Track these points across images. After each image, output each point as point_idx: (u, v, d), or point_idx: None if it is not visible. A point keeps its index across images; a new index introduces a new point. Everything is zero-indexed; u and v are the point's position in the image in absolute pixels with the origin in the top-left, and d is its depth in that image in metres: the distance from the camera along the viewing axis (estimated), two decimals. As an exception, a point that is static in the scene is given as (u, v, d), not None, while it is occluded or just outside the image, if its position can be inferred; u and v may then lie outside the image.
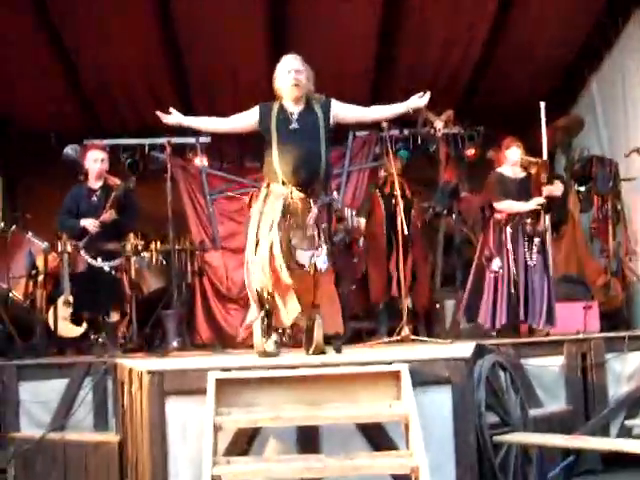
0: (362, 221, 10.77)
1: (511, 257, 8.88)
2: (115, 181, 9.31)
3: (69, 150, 11.11)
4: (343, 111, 7.09)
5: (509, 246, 8.92)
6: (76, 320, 9.36)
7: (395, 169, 9.97)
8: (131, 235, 11.20)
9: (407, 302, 9.74)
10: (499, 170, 9.30)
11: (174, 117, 7.23)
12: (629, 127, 10.61)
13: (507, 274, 8.85)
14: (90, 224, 8.90)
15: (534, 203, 8.98)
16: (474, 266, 9.29)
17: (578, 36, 11.23)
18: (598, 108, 11.53)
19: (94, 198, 9.14)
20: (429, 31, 11.04)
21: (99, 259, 8.99)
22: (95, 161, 9.19)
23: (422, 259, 10.75)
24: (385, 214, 10.44)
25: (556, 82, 11.97)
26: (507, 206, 9.05)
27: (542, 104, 9.04)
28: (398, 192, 9.55)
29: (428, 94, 7.13)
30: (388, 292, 10.36)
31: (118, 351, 8.96)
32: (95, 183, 9.21)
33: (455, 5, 10.56)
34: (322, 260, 6.74)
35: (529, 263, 8.88)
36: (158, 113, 7.32)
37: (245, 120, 7.10)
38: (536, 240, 8.95)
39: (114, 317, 9.29)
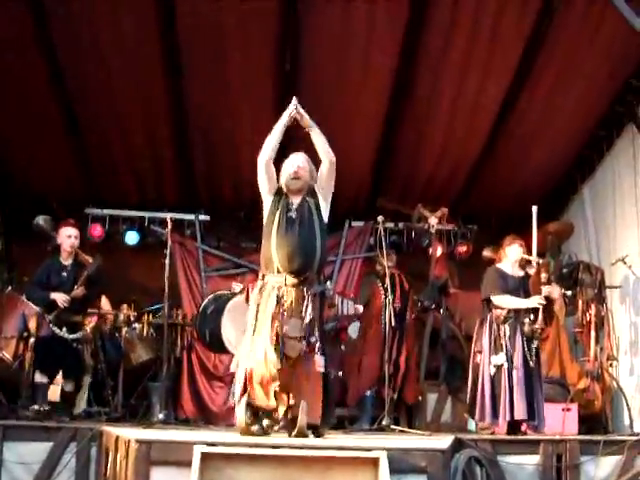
0: (360, 308, 10.90)
1: (507, 355, 8.85)
2: (87, 259, 9.59)
3: (40, 220, 11.30)
4: (320, 181, 7.33)
5: (507, 343, 8.89)
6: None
7: (391, 262, 10.22)
8: (124, 305, 11.42)
9: (391, 393, 9.86)
10: (498, 266, 9.30)
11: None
12: (617, 236, 10.87)
13: (506, 370, 8.82)
14: (60, 299, 9.20)
15: (535, 301, 8.92)
16: (471, 363, 9.26)
17: (572, 146, 11.57)
18: (588, 215, 11.80)
19: (64, 273, 9.45)
20: (426, 140, 11.42)
21: (64, 329, 9.28)
22: (68, 237, 9.50)
23: (413, 352, 10.83)
24: (384, 306, 10.44)
25: (549, 188, 12.22)
26: (507, 301, 9.01)
27: (534, 208, 9.22)
28: (393, 286, 9.77)
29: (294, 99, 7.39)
30: (378, 381, 10.43)
31: (66, 419, 9.05)
32: (66, 259, 9.52)
33: (452, 116, 10.94)
34: (321, 363, 6.96)
35: (530, 363, 8.85)
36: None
37: (273, 179, 7.32)
38: (534, 341, 8.94)
39: (68, 387, 9.47)
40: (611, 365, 10.59)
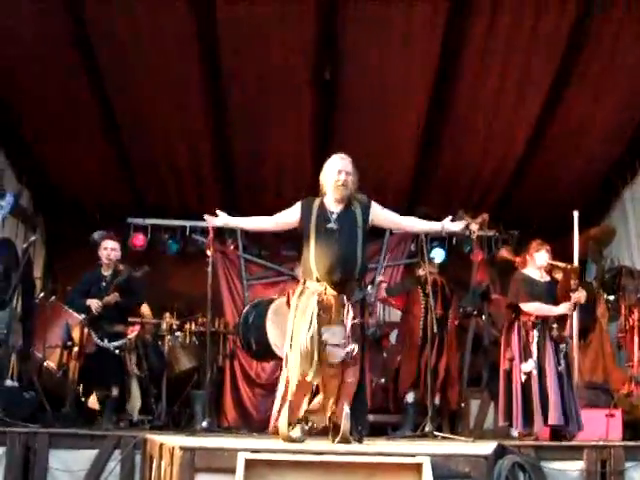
0: (383, 285, 10.91)
1: (537, 361, 8.82)
2: (121, 270, 9.77)
3: (95, 235, 11.40)
4: (381, 215, 7.30)
5: (534, 349, 8.86)
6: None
7: (433, 268, 10.26)
8: (167, 314, 11.50)
9: (435, 399, 9.86)
10: (525, 272, 9.25)
11: (220, 219, 7.55)
12: (660, 240, 10.79)
13: (536, 377, 8.78)
14: (93, 304, 9.43)
15: (564, 307, 8.91)
16: (501, 369, 9.21)
17: (614, 150, 11.51)
18: (630, 220, 11.74)
19: (103, 283, 9.67)
20: (467, 146, 11.44)
21: (105, 340, 9.50)
22: (105, 250, 9.72)
23: (455, 359, 10.79)
24: (424, 312, 10.47)
25: (590, 193, 12.17)
26: (536, 308, 8.97)
27: (575, 213, 9.20)
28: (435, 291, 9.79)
29: (462, 222, 7.46)
30: (416, 388, 10.43)
31: (110, 426, 9.23)
32: (106, 270, 9.75)
33: (493, 121, 10.94)
34: (348, 350, 6.97)
35: (560, 369, 8.80)
36: (205, 216, 7.68)
37: (287, 218, 7.33)
38: (561, 346, 8.90)
39: (115, 392, 9.57)
40: (655, 370, 10.52)
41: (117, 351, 9.54)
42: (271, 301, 10.88)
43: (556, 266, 9.19)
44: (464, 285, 11.31)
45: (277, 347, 10.44)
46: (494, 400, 10.55)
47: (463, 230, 10.19)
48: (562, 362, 8.88)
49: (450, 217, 7.44)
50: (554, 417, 8.69)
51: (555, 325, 8.93)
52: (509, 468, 6.79)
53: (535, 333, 8.94)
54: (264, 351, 10.77)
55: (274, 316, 10.63)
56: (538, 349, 8.88)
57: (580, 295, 9.02)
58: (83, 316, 9.49)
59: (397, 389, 10.68)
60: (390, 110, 10.76)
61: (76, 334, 10.03)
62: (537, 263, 9.19)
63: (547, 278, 9.22)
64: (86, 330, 9.50)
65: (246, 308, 11.26)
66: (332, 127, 11.08)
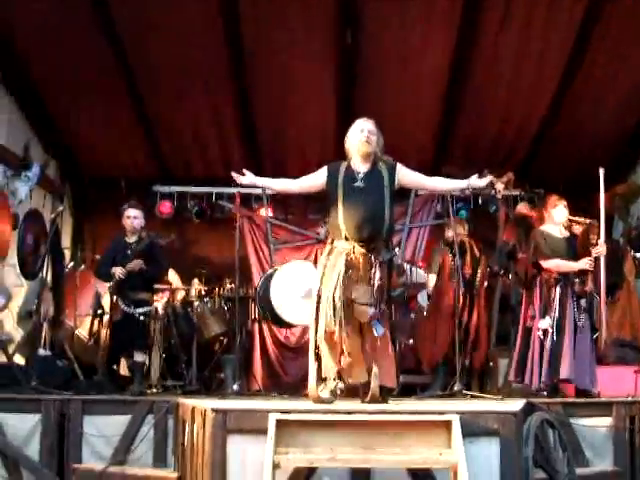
0: (432, 277, 10.88)
1: (556, 317, 8.82)
2: (144, 237, 9.85)
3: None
4: (407, 176, 7.35)
5: (556, 305, 8.85)
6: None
7: (463, 229, 10.27)
8: (195, 280, 11.58)
9: (464, 359, 9.90)
10: (543, 228, 9.24)
11: (247, 177, 7.58)
12: (687, 196, 10.75)
13: (552, 334, 8.79)
14: (117, 271, 9.49)
15: (584, 263, 8.88)
16: (521, 325, 9.27)
17: (636, 108, 11.42)
18: (656, 176, 11.68)
19: (128, 251, 9.72)
20: (490, 104, 11.41)
21: (132, 306, 9.58)
22: (128, 218, 9.78)
23: (483, 318, 10.76)
24: (454, 273, 10.56)
25: (616, 150, 12.07)
26: (556, 264, 8.98)
27: (601, 170, 9.16)
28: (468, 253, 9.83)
29: (489, 177, 7.46)
30: (450, 347, 10.46)
31: (142, 389, 9.43)
32: (130, 237, 9.81)
33: (516, 79, 10.93)
34: (379, 328, 7.02)
35: (578, 324, 8.81)
36: (233, 174, 7.65)
37: (314, 181, 7.40)
38: (582, 300, 8.90)
39: (139, 357, 9.69)
40: (684, 325, 10.52)
41: (142, 317, 9.63)
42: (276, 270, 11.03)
43: (575, 221, 9.18)
44: (491, 245, 11.31)
45: (287, 315, 10.66)
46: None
47: (489, 189, 10.26)
48: (582, 317, 8.88)
49: (476, 175, 7.48)
50: (564, 371, 8.70)
51: (577, 280, 8.93)
52: (538, 425, 6.82)
53: (557, 290, 8.94)
54: (280, 321, 10.89)
55: (277, 285, 10.75)
56: (560, 306, 8.88)
57: (601, 250, 8.95)
58: (109, 284, 9.58)
59: (432, 350, 10.67)
60: (411, 76, 10.79)
61: (106, 302, 10.19)
62: (555, 219, 9.19)
63: (566, 234, 9.19)
64: (114, 298, 9.60)
65: (259, 281, 11.34)
66: (354, 94, 11.07)
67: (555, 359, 8.75)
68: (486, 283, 10.92)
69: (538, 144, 12.14)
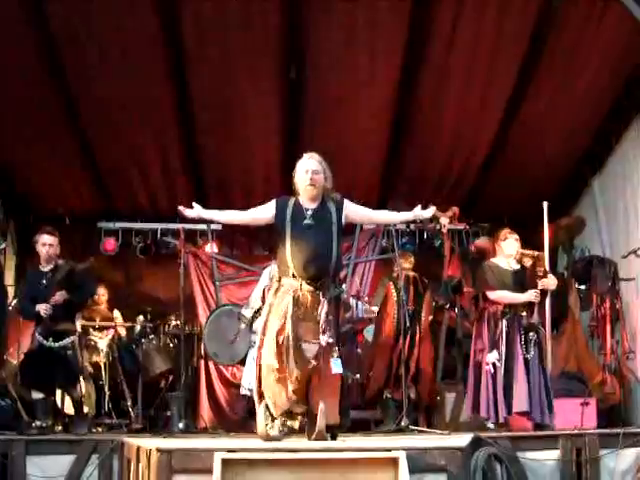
0: (375, 309, 10.91)
1: (504, 350, 8.84)
2: (62, 263, 9.47)
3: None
4: (354, 212, 7.38)
5: (503, 339, 8.87)
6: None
7: (409, 264, 10.32)
8: (140, 317, 11.49)
9: (410, 393, 9.90)
10: (493, 260, 9.29)
11: (194, 210, 7.50)
12: (629, 229, 10.83)
13: (503, 367, 8.82)
14: (42, 308, 9.06)
15: (529, 294, 8.90)
16: (471, 360, 9.26)
17: (581, 141, 11.57)
18: (600, 210, 11.77)
19: (44, 281, 9.29)
20: (435, 140, 11.46)
21: (50, 339, 9.17)
22: (43, 245, 9.32)
23: (429, 353, 10.80)
24: (396, 308, 10.60)
25: (559, 184, 12.21)
26: (501, 296, 8.99)
27: (545, 204, 9.24)
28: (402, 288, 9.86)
29: (433, 208, 7.52)
30: (385, 383, 10.51)
31: (84, 429, 9.11)
32: (45, 266, 9.39)
33: (459, 116, 11.00)
34: (337, 364, 6.99)
35: (527, 357, 8.82)
36: (180, 208, 7.55)
37: (261, 214, 7.36)
38: (531, 334, 8.91)
39: (75, 395, 9.40)
40: (628, 358, 10.60)
41: (63, 352, 9.20)
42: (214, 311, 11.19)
43: (524, 254, 9.21)
44: (436, 279, 11.36)
45: (216, 356, 10.90)
46: (468, 393, 10.65)
47: (434, 223, 10.33)
48: (532, 350, 8.89)
49: (420, 205, 7.52)
50: (517, 404, 8.71)
51: (524, 314, 8.96)
52: (485, 459, 6.84)
53: (504, 323, 8.97)
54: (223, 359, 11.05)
55: (211, 331, 10.93)
56: (507, 339, 8.91)
57: (548, 281, 9.07)
58: (39, 327, 9.21)
59: (369, 385, 10.74)
60: (356, 111, 10.79)
61: (48, 340, 10.02)
62: (505, 252, 9.21)
63: (516, 267, 9.22)
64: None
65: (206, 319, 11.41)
66: (300, 128, 11.09)
67: (508, 393, 8.77)
68: (431, 317, 10.98)
69: (483, 178, 12.21)
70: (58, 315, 9.17)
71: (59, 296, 9.09)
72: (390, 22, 9.60)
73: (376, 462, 5.60)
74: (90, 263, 9.75)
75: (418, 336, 10.47)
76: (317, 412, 6.89)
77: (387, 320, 10.67)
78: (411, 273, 10.65)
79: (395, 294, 10.64)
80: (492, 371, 8.88)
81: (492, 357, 8.90)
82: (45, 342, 9.16)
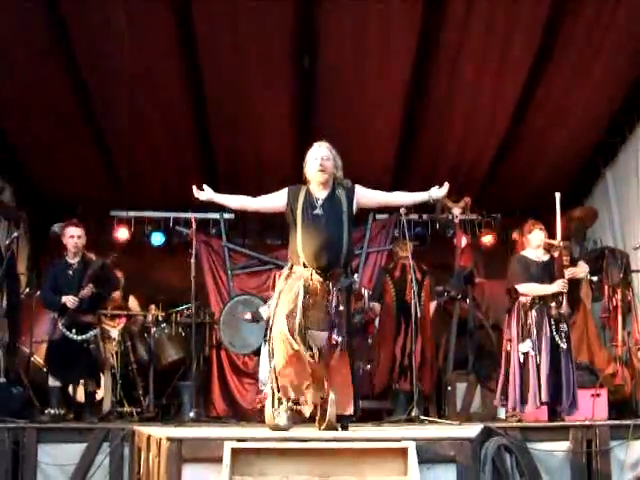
0: (377, 305, 10.91)
1: (536, 341, 8.84)
2: (91, 257, 9.63)
3: (55, 228, 11.29)
4: (366, 197, 7.41)
5: (533, 329, 8.87)
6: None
7: (405, 252, 10.31)
8: (152, 306, 11.51)
9: (416, 384, 9.91)
10: (522, 253, 9.30)
11: (206, 193, 7.51)
12: (641, 220, 10.84)
13: (534, 357, 8.82)
14: (69, 300, 9.18)
15: (557, 285, 8.90)
16: (504, 351, 9.23)
17: (594, 131, 11.52)
18: (612, 201, 11.75)
19: (70, 272, 9.41)
20: (448, 130, 11.42)
21: (73, 330, 9.27)
22: (71, 237, 9.45)
23: (430, 342, 10.81)
24: (395, 298, 10.67)
25: (572, 174, 12.17)
26: (530, 289, 9.01)
27: (557, 195, 9.21)
28: (412, 276, 9.82)
29: (447, 185, 7.48)
30: (392, 374, 10.55)
31: (95, 419, 9.17)
32: (72, 258, 9.50)
33: (473, 106, 10.95)
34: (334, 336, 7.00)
35: (561, 347, 8.85)
36: (194, 188, 7.54)
37: (273, 201, 7.40)
38: (562, 325, 8.92)
39: (90, 387, 9.48)
40: (639, 349, 10.58)
41: (86, 344, 9.32)
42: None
43: (550, 244, 9.19)
44: (448, 270, 11.35)
45: (231, 346, 11.12)
46: (480, 383, 10.64)
47: (446, 213, 10.31)
48: (564, 341, 8.90)
49: (437, 186, 7.52)
50: (545, 395, 8.72)
51: (553, 304, 8.95)
52: (495, 450, 6.84)
53: (533, 314, 8.98)
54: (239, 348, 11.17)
55: (226, 316, 11.12)
56: (537, 329, 8.91)
57: (575, 270, 9.14)
58: (63, 318, 9.28)
59: (377, 376, 10.79)
60: (368, 101, 10.72)
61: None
62: (532, 243, 9.23)
63: (545, 257, 9.22)
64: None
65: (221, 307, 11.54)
66: (312, 118, 11.05)
67: (538, 383, 8.77)
68: (434, 305, 10.96)
69: (495, 170, 12.16)
70: (83, 308, 9.29)
71: (87, 290, 9.22)
72: (403, 10, 9.55)
73: (385, 452, 5.62)
74: (114, 256, 9.86)
75: (419, 326, 10.37)
76: (327, 402, 6.90)
77: (387, 312, 10.74)
78: (408, 262, 10.53)
79: (392, 286, 10.66)
80: (521, 361, 8.89)
81: (526, 346, 8.90)
82: (69, 334, 9.25)
